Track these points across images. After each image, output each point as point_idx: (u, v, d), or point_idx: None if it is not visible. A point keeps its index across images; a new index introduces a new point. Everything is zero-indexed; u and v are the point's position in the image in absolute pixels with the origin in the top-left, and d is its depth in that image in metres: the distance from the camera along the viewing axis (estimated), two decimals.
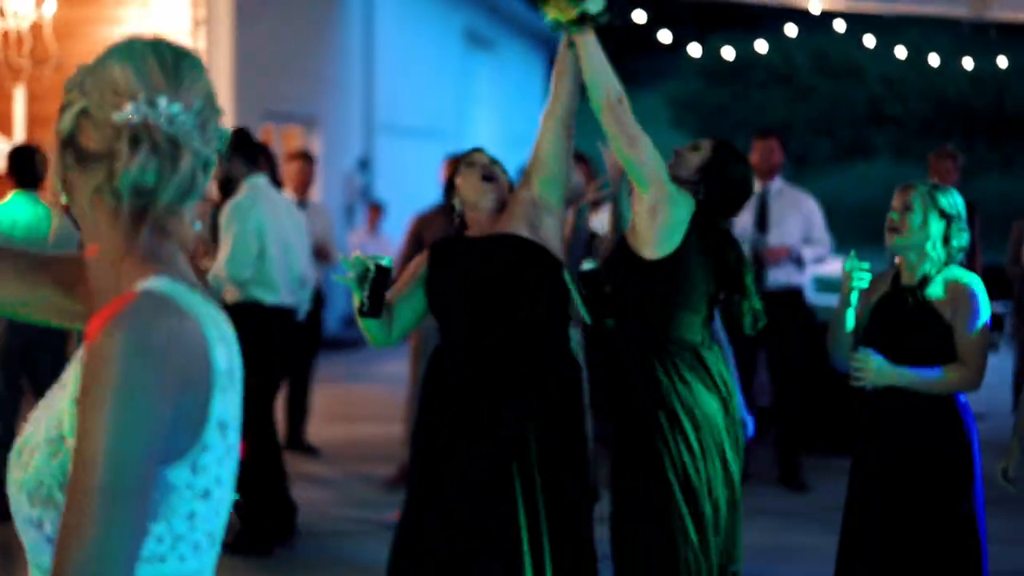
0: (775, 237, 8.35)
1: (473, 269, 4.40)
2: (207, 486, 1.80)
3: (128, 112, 1.82)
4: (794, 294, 8.48)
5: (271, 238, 6.88)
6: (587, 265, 4.63)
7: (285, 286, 6.98)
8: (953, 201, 4.58)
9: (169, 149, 1.82)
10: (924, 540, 4.49)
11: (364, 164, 16.44)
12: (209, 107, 1.89)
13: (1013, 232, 9.53)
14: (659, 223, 4.49)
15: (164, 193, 1.82)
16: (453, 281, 4.43)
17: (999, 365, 9.60)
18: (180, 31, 12.03)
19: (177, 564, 1.80)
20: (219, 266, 6.74)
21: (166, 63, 1.86)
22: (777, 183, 8.49)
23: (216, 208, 7.15)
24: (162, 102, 1.83)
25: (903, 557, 4.50)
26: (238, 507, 6.37)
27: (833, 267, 10.97)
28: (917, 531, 4.49)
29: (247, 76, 12.69)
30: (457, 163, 4.72)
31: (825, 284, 11.40)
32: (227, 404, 1.82)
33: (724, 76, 31.43)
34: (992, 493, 5.04)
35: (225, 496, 1.85)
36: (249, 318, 6.80)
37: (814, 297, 12.86)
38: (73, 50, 11.60)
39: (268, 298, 6.88)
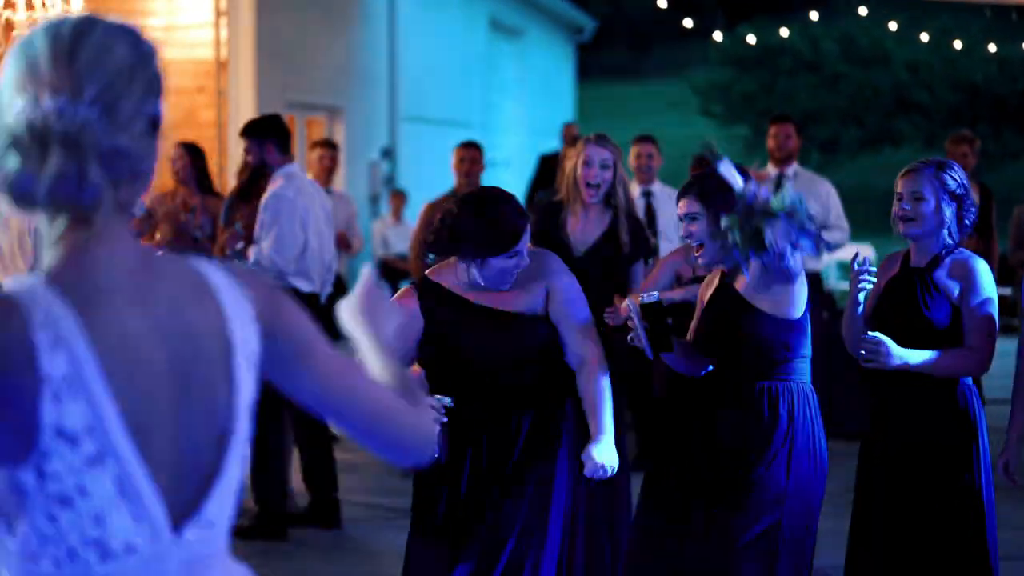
0: None
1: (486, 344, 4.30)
2: (64, 493, 1.74)
3: (14, 113, 1.78)
4: (810, 280, 8.45)
5: (311, 228, 6.95)
6: (649, 297, 4.43)
7: (318, 274, 7.07)
8: (959, 178, 4.57)
9: (37, 150, 1.76)
10: (928, 529, 4.47)
11: (388, 153, 16.47)
12: (119, 86, 1.80)
13: (1014, 216, 9.46)
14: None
15: (40, 195, 1.77)
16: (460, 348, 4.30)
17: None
18: (203, 22, 12.09)
19: (51, 568, 1.77)
20: (264, 256, 6.78)
21: (60, 50, 1.79)
22: (793, 168, 8.47)
23: (232, 199, 7.19)
24: (46, 98, 1.76)
25: (908, 545, 4.49)
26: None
27: (851, 252, 10.92)
28: (921, 520, 4.47)
29: (270, 66, 12.72)
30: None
31: (848, 270, 11.40)
32: (69, 414, 1.73)
33: (751, 64, 31.30)
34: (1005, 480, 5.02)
35: (108, 508, 1.77)
36: None
37: (835, 283, 12.80)
38: None
39: (304, 287, 6.95)
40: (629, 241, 5.80)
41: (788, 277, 4.33)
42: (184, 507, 1.86)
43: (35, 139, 1.75)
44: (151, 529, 1.81)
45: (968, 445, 4.50)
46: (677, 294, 5.49)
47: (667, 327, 4.42)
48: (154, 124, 1.85)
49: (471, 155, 8.47)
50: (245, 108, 11.87)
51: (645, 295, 4.43)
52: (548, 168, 14.28)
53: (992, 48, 19.27)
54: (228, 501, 1.92)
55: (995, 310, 4.50)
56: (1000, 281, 8.07)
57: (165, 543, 1.82)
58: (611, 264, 5.67)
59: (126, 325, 1.79)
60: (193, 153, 7.91)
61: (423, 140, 17.09)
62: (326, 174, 9.45)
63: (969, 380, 4.58)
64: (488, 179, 8.79)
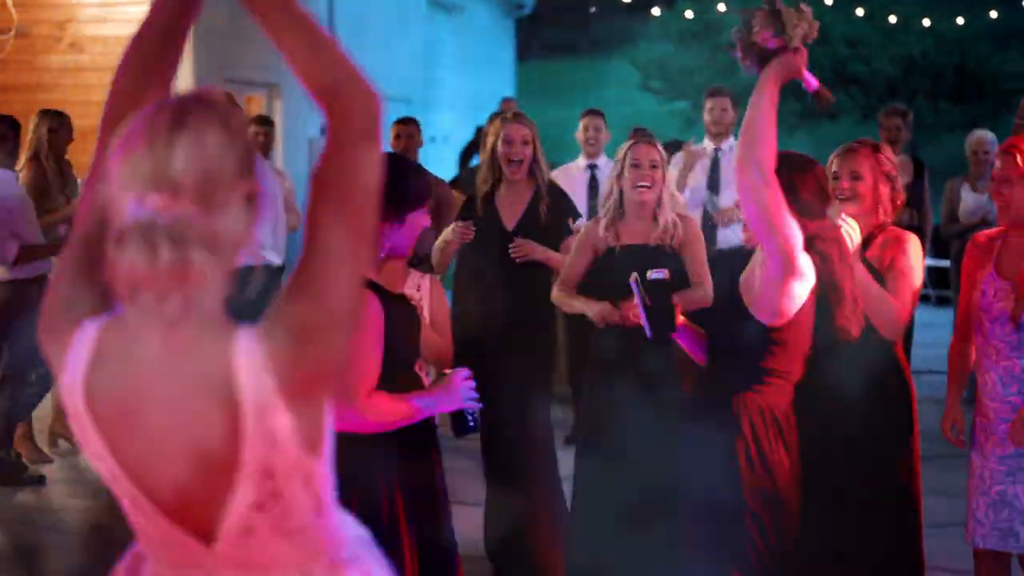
0: (727, 197, 8.34)
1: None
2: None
3: (123, 210, 1.94)
4: (746, 255, 8.48)
5: (277, 204, 7.09)
6: (657, 273, 4.16)
7: (283, 248, 7.24)
8: (892, 160, 4.63)
9: (146, 244, 1.92)
10: (858, 498, 4.46)
11: (327, 130, 16.41)
12: (214, 177, 1.94)
13: (947, 190, 9.58)
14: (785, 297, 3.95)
15: (154, 284, 1.94)
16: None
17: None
18: None
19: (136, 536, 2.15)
20: None
21: (159, 149, 1.93)
22: (730, 142, 8.49)
23: None
24: (150, 198, 1.92)
25: (838, 514, 4.48)
26: None
27: None
28: (850, 491, 4.44)
29: (207, 42, 12.63)
30: None
31: None
32: (80, 435, 2.03)
33: (690, 39, 31.35)
34: (931, 448, 5.08)
35: (135, 518, 2.07)
36: (257, 278, 7.04)
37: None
38: (36, 18, 11.54)
39: (276, 260, 7.10)
40: (548, 212, 5.94)
41: (785, 259, 3.86)
42: (207, 525, 2.02)
43: (144, 235, 1.91)
44: (177, 543, 2.03)
45: (899, 414, 4.53)
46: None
47: (670, 307, 4.16)
48: (249, 197, 1.99)
49: (408, 131, 8.47)
50: (182, 85, 11.78)
51: (653, 272, 4.23)
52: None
53: (926, 22, 19.44)
54: (259, 513, 2.01)
55: (918, 283, 4.53)
56: (934, 254, 8.18)
57: (197, 553, 2.03)
58: (541, 236, 5.86)
59: (130, 399, 1.99)
60: None
61: None
62: (260, 150, 9.41)
63: (899, 351, 4.58)
64: (427, 155, 8.77)
